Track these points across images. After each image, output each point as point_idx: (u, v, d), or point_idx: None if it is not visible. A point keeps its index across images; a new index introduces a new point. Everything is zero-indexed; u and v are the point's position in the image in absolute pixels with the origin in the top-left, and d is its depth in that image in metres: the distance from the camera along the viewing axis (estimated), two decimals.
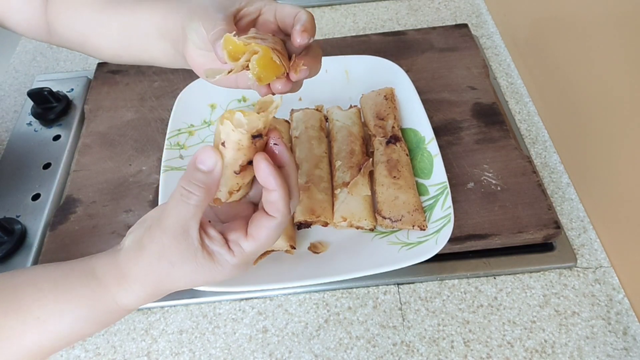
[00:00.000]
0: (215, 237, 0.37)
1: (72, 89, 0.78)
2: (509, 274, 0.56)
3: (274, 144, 0.37)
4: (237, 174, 0.36)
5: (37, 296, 0.38)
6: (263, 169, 0.35)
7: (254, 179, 0.39)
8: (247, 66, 0.38)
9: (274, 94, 0.42)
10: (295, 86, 0.43)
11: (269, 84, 0.40)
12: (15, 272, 0.41)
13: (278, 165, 0.37)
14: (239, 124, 0.34)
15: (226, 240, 0.37)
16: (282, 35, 0.42)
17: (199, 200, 0.35)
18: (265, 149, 0.37)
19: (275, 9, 0.43)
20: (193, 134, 0.65)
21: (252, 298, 0.56)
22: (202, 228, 0.37)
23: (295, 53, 0.41)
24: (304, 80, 0.44)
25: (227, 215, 0.42)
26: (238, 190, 0.38)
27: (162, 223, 0.36)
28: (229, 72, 0.38)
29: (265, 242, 0.37)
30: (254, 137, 0.35)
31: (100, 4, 0.57)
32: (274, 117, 0.63)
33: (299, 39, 0.39)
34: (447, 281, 0.56)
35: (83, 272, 0.40)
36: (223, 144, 0.35)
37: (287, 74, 0.40)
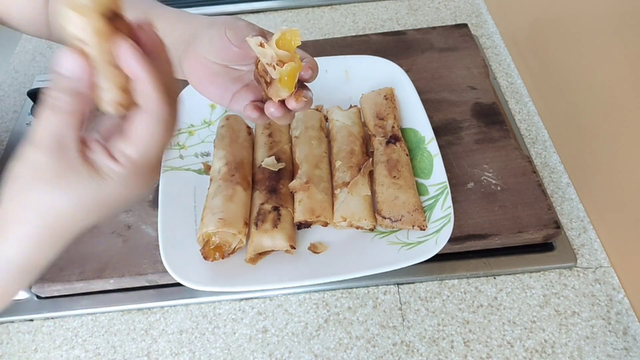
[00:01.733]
0: (95, 147, 0.32)
1: None
2: (509, 274, 0.56)
3: (138, 26, 0.31)
4: (115, 67, 0.30)
5: None
6: (124, 52, 0.30)
7: None
8: (276, 64, 0.41)
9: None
10: (289, 117, 0.45)
11: (270, 102, 0.43)
12: None
13: (147, 51, 0.31)
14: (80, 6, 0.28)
15: (109, 152, 0.32)
16: None
17: (70, 106, 0.30)
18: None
19: None
20: (193, 133, 0.65)
21: (252, 298, 0.56)
22: (81, 141, 0.31)
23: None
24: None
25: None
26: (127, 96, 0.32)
27: (33, 140, 0.31)
28: (260, 45, 0.40)
29: (147, 141, 0.31)
30: (109, 19, 0.29)
31: None
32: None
33: (303, 73, 0.42)
34: (447, 281, 0.56)
35: None
36: (79, 40, 0.29)
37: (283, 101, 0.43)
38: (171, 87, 0.33)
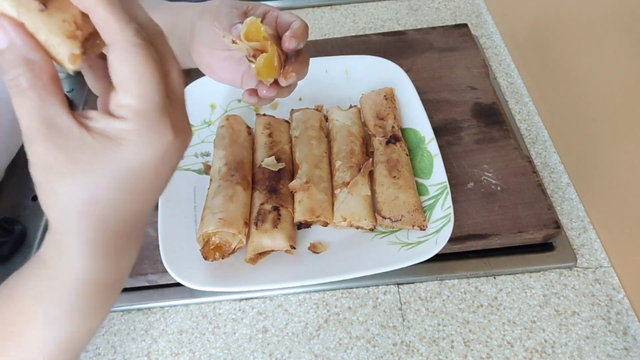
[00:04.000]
0: (92, 114, 0.28)
1: (72, 89, 0.78)
2: (509, 274, 0.56)
3: None
4: (43, 11, 0.26)
5: (4, 307, 0.32)
6: None
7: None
8: (252, 57, 0.42)
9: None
10: (285, 91, 0.47)
11: (260, 85, 0.45)
12: None
13: None
14: None
15: (108, 113, 0.28)
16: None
17: (29, 79, 0.26)
18: None
19: (277, 15, 0.47)
20: (193, 133, 0.65)
21: (252, 298, 0.56)
22: (73, 115, 0.27)
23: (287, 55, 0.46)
24: (304, 80, 0.48)
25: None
26: (85, 38, 0.27)
27: (24, 136, 0.27)
28: (233, 42, 0.42)
29: (138, 79, 0.27)
30: None
31: None
32: (274, 117, 0.63)
33: (287, 43, 0.43)
34: (447, 281, 0.56)
35: (32, 263, 0.32)
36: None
37: (277, 80, 0.45)
38: (140, 16, 0.29)
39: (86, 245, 0.29)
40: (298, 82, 0.47)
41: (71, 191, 0.27)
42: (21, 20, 0.26)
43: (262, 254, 0.53)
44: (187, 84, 0.68)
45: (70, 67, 0.27)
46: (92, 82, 0.33)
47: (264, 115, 0.64)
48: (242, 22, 0.43)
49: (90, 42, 0.28)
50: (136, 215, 0.31)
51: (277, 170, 0.58)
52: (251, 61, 0.42)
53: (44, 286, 0.30)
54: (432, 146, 0.59)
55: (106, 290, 0.32)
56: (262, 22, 0.44)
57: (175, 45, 0.53)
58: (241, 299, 0.56)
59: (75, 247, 0.29)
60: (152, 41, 0.28)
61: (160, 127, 0.28)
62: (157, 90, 0.27)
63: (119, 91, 0.27)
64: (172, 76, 0.30)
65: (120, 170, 0.27)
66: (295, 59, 0.46)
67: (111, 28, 0.26)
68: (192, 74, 0.55)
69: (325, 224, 0.56)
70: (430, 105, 0.67)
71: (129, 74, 0.27)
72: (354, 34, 0.84)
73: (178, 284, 0.51)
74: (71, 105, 0.75)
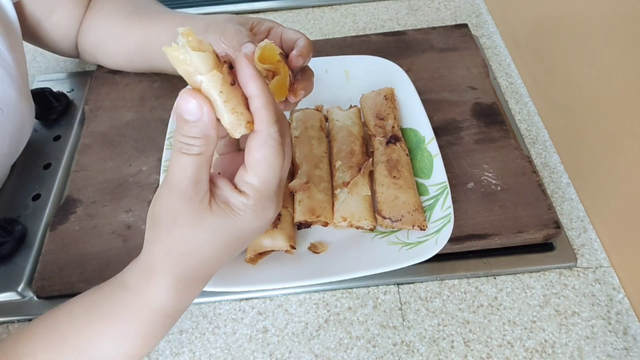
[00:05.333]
0: (222, 184, 0.34)
1: (72, 89, 0.78)
2: (509, 274, 0.56)
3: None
4: (233, 85, 0.32)
5: (72, 324, 0.36)
6: (244, 68, 0.31)
7: None
8: (265, 77, 0.43)
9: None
10: (292, 105, 0.49)
11: None
12: (56, 308, 0.39)
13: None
14: (198, 46, 0.31)
15: (234, 186, 0.34)
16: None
17: (200, 149, 0.32)
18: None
19: (282, 32, 0.49)
20: None
21: (252, 298, 0.56)
22: (209, 180, 0.34)
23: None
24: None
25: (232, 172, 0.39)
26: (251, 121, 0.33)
27: (170, 183, 0.33)
28: None
29: (267, 166, 0.33)
30: (224, 62, 0.32)
31: (125, 12, 0.65)
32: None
33: (294, 62, 0.45)
34: (447, 281, 0.56)
35: (113, 286, 0.37)
36: (197, 73, 0.31)
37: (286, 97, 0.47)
38: (281, 114, 0.34)
39: (172, 282, 0.34)
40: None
41: (183, 239, 0.33)
42: (220, 90, 0.31)
43: (262, 254, 0.53)
44: (187, 84, 0.68)
45: (243, 132, 0.33)
46: (220, 145, 0.40)
47: None
48: (251, 42, 0.45)
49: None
50: (219, 266, 0.37)
51: None
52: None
53: (122, 308, 0.35)
54: (432, 146, 0.59)
55: (171, 320, 0.37)
56: (267, 37, 0.46)
57: None
58: (241, 299, 0.56)
59: (162, 283, 0.34)
60: (282, 133, 0.34)
61: (270, 206, 0.35)
62: (277, 176, 0.34)
63: (248, 171, 0.33)
64: (286, 166, 0.37)
65: (230, 235, 0.34)
66: (301, 75, 0.47)
67: (262, 118, 0.32)
68: None
69: (325, 224, 0.56)
70: (430, 105, 0.67)
71: (261, 160, 0.33)
72: (354, 34, 0.84)
73: None
74: (71, 105, 0.75)
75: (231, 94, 0.32)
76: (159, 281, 0.34)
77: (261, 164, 0.33)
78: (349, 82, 0.69)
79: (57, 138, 0.71)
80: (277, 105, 0.34)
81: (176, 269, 0.34)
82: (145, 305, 0.35)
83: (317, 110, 0.66)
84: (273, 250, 0.53)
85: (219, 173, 0.38)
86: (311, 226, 0.56)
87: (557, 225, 0.56)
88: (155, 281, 0.34)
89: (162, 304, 0.35)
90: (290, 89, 0.45)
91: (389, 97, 0.64)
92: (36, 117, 0.73)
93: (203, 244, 0.33)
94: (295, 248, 0.53)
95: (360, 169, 0.57)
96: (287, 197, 0.57)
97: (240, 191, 0.34)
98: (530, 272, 0.56)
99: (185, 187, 0.32)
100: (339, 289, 0.56)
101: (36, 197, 0.64)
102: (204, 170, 0.32)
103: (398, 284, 0.56)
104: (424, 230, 0.54)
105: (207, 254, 0.34)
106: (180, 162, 0.32)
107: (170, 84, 0.75)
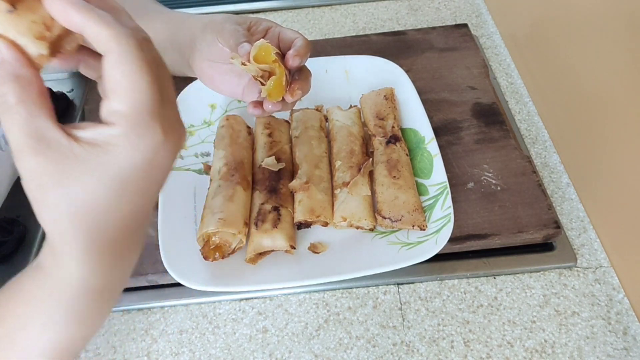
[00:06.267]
0: (84, 124, 0.28)
1: (72, 89, 0.78)
2: (509, 274, 0.56)
3: None
4: (11, 12, 0.26)
5: (2, 312, 0.32)
6: (51, 3, 0.26)
7: None
8: (261, 77, 0.44)
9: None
10: (290, 105, 0.49)
11: (266, 100, 0.47)
12: None
13: None
14: None
15: (98, 121, 0.28)
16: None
17: (20, 94, 0.26)
18: None
19: (280, 32, 0.49)
20: (193, 134, 0.65)
21: (252, 298, 0.56)
22: (62, 127, 0.28)
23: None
24: None
25: None
26: (55, 40, 0.27)
27: (13, 150, 0.27)
28: (242, 64, 0.43)
29: (130, 85, 0.27)
30: None
31: None
32: (274, 117, 0.63)
33: (291, 61, 0.44)
34: (447, 281, 0.56)
35: (31, 269, 0.32)
36: None
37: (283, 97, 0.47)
38: (129, 24, 0.28)
39: (80, 252, 0.29)
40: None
41: (62, 201, 0.27)
42: None
43: (262, 254, 0.53)
44: (187, 83, 0.68)
45: (39, 67, 0.27)
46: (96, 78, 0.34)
47: None
48: (248, 41, 0.45)
49: (69, 38, 0.28)
50: (131, 220, 0.31)
51: (277, 170, 0.58)
52: (262, 83, 0.44)
53: (41, 292, 0.31)
54: (432, 146, 0.59)
55: (103, 295, 0.32)
56: (265, 37, 0.46)
57: (175, 55, 0.55)
58: (241, 299, 0.56)
59: (69, 255, 0.29)
60: (143, 47, 0.28)
61: (148, 130, 0.28)
62: (148, 94, 0.27)
63: (110, 97, 0.27)
64: (163, 79, 0.29)
65: (109, 176, 0.28)
66: (298, 75, 0.47)
67: (104, 38, 0.26)
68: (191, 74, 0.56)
69: (325, 224, 0.56)
70: (430, 105, 0.67)
71: (121, 80, 0.27)
72: (354, 34, 0.84)
73: (178, 284, 0.51)
74: (71, 105, 0.75)
75: (8, 24, 0.26)
76: (64, 256, 0.30)
77: (122, 84, 0.27)
78: (348, 82, 0.69)
79: None
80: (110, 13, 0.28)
81: (75, 236, 0.29)
82: (64, 284, 0.31)
83: (317, 110, 0.66)
84: (273, 250, 0.53)
85: None
86: (311, 226, 0.56)
87: (557, 225, 0.56)
88: (60, 257, 0.30)
89: (81, 278, 0.30)
90: (288, 89, 0.45)
91: (389, 97, 0.64)
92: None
93: (87, 198, 0.28)
94: (295, 248, 0.53)
95: (360, 169, 0.57)
96: (287, 197, 0.57)
97: (105, 123, 0.27)
98: (530, 272, 0.56)
99: (29, 144, 0.26)
100: (338, 289, 0.56)
101: None
102: (41, 117, 0.27)
103: (398, 284, 0.56)
104: (424, 230, 0.54)
105: (101, 207, 0.28)
106: (9, 122, 0.26)
107: None
